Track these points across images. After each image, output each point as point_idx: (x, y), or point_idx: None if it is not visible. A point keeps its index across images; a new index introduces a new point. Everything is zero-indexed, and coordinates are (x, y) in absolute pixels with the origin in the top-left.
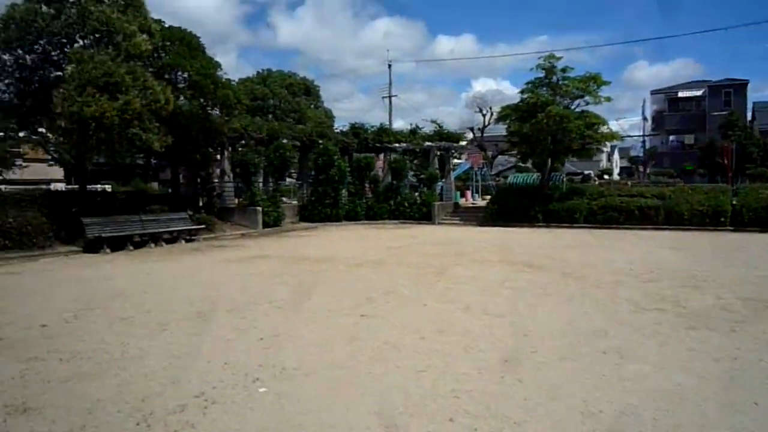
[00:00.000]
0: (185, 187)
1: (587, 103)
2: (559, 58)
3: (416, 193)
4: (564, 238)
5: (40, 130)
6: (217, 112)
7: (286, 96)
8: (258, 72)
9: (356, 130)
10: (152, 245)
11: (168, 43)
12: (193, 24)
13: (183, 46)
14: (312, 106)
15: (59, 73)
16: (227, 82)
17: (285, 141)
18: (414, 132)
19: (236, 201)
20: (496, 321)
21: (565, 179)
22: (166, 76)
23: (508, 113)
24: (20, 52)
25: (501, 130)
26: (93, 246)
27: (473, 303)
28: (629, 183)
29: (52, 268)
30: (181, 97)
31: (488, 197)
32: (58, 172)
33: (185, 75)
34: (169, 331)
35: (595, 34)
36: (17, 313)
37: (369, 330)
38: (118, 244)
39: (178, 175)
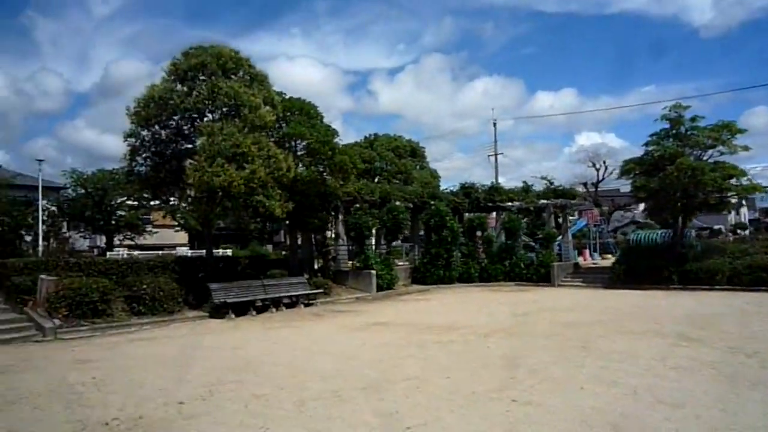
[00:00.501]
0: (301, 251)
1: (721, 153)
2: (686, 107)
3: (531, 253)
4: (709, 303)
5: (171, 199)
6: (332, 177)
7: (393, 158)
8: (365, 137)
9: (467, 189)
10: (273, 310)
11: (288, 113)
12: (301, 95)
13: (303, 116)
14: (418, 167)
15: (189, 146)
16: (344, 148)
17: (398, 203)
18: (526, 190)
19: (349, 264)
20: (677, 413)
21: (694, 235)
22: (287, 145)
23: (631, 167)
24: (157, 128)
25: (616, 184)
26: (218, 311)
27: (639, 387)
28: None
29: (182, 333)
30: (300, 164)
31: (609, 256)
32: (182, 237)
33: (304, 143)
34: (307, 413)
35: (706, 82)
36: (155, 386)
37: (528, 421)
38: (241, 309)
39: (296, 239)
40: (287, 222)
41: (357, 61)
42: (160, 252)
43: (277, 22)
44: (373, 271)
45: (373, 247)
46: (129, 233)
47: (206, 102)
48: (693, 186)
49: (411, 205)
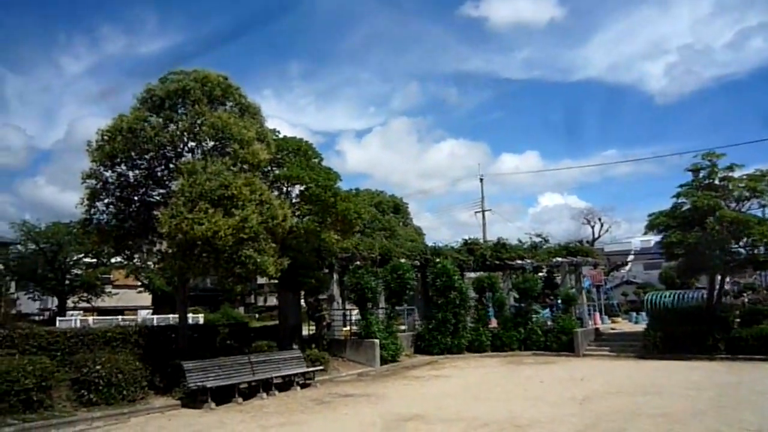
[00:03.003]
0: (289, 316)
1: (762, 206)
2: (720, 156)
3: (546, 318)
4: None
5: (135, 256)
6: (331, 229)
7: (376, 214)
8: (347, 191)
9: (470, 246)
10: (264, 395)
11: (282, 153)
12: None
13: (299, 157)
14: (401, 223)
15: (163, 191)
16: (347, 195)
17: (403, 260)
18: (535, 246)
19: (344, 331)
20: None
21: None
22: (282, 190)
23: (662, 221)
24: (123, 167)
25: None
26: (194, 398)
27: None
28: None
29: None
30: (295, 213)
31: (618, 320)
32: (146, 298)
33: (302, 188)
34: None
35: (661, 146)
36: None
37: None
38: (224, 395)
39: (288, 303)
40: (276, 282)
41: (326, 122)
42: (120, 318)
43: (250, 83)
44: (377, 341)
45: (379, 312)
46: (85, 294)
47: (187, 135)
48: (736, 241)
49: (418, 263)
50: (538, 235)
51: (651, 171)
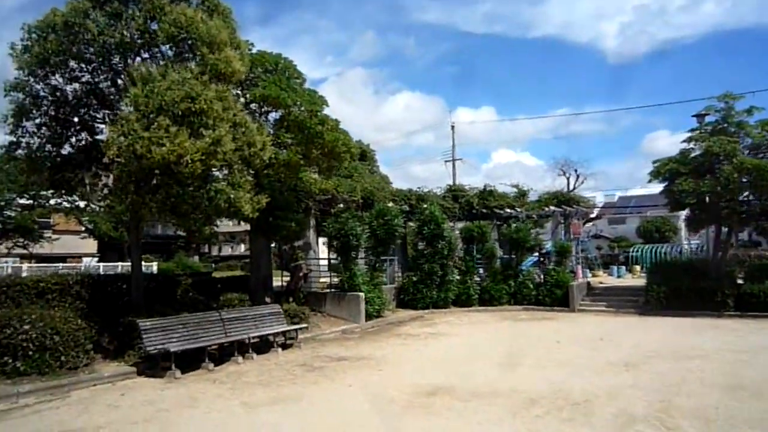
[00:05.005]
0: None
1: None
2: (738, 97)
3: (535, 271)
4: None
5: (76, 191)
6: (313, 165)
7: None
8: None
9: (456, 192)
10: (239, 359)
11: (258, 71)
12: None
13: (279, 75)
14: (368, 171)
15: (109, 111)
16: (336, 123)
17: (390, 204)
18: (522, 194)
19: (322, 282)
20: None
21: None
22: (258, 114)
23: (673, 167)
24: (58, 78)
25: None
26: (154, 364)
27: None
28: None
29: (92, 419)
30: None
31: (599, 273)
32: (91, 245)
33: (281, 113)
34: None
35: (614, 105)
36: None
37: None
38: (190, 360)
39: (261, 251)
40: (239, 227)
41: None
42: (61, 266)
43: None
44: (362, 294)
45: (362, 263)
46: (21, 240)
47: (141, 36)
48: (754, 191)
49: (407, 208)
50: (515, 186)
51: (602, 130)
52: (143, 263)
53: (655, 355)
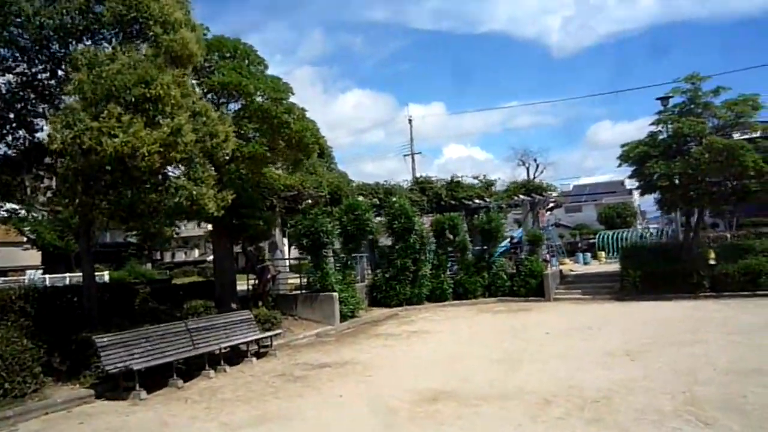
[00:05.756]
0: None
1: (743, 134)
2: (704, 78)
3: (507, 261)
4: None
5: (15, 196)
6: (281, 157)
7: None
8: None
9: (422, 185)
10: (211, 373)
11: (214, 55)
12: None
13: (238, 61)
14: (326, 168)
15: (48, 106)
16: (302, 112)
17: (361, 198)
18: (489, 185)
19: (289, 284)
20: None
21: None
22: (218, 103)
23: (642, 150)
24: None
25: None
26: (114, 384)
27: None
28: None
29: None
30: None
31: (566, 261)
32: (34, 257)
33: (242, 102)
34: None
35: (558, 98)
36: None
37: None
38: (156, 377)
39: (224, 253)
40: (210, 226)
41: None
42: (2, 280)
43: None
44: (335, 294)
45: (330, 261)
46: None
47: (85, 16)
48: (723, 171)
49: (377, 202)
50: (476, 177)
51: (549, 122)
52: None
53: (652, 341)
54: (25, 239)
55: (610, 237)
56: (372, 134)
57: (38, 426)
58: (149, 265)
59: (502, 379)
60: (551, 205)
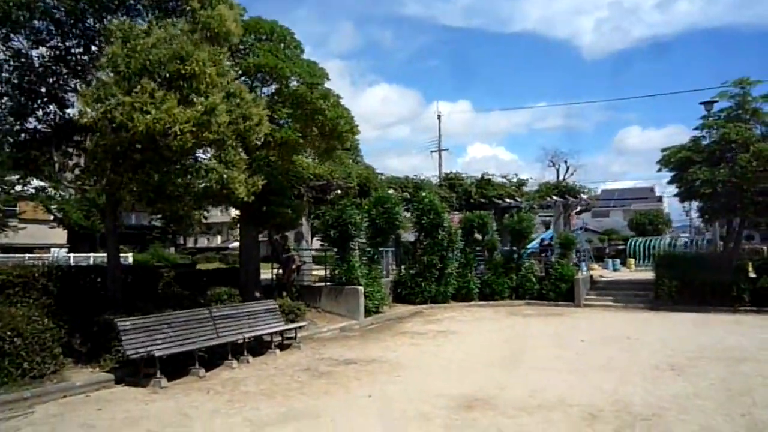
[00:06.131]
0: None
1: None
2: (755, 83)
3: (536, 264)
4: None
5: (43, 171)
6: (314, 144)
7: None
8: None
9: (452, 181)
10: (234, 363)
11: (250, 37)
12: None
13: (275, 44)
14: (352, 160)
15: (80, 82)
16: (337, 99)
17: (391, 191)
18: (521, 184)
19: (314, 276)
20: None
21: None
22: (251, 87)
23: (685, 155)
24: (21, 41)
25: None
26: (135, 370)
27: None
28: None
29: None
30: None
31: (594, 266)
32: (60, 235)
33: (276, 86)
34: None
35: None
36: None
37: None
38: (177, 364)
39: (251, 241)
40: (238, 213)
41: None
42: (27, 256)
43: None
44: (361, 288)
45: (358, 254)
46: None
47: None
48: None
49: (408, 196)
50: (504, 177)
51: (577, 125)
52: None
53: (698, 356)
54: (51, 217)
55: (641, 244)
56: (397, 129)
57: (56, 410)
58: (172, 250)
59: (540, 388)
60: (579, 208)
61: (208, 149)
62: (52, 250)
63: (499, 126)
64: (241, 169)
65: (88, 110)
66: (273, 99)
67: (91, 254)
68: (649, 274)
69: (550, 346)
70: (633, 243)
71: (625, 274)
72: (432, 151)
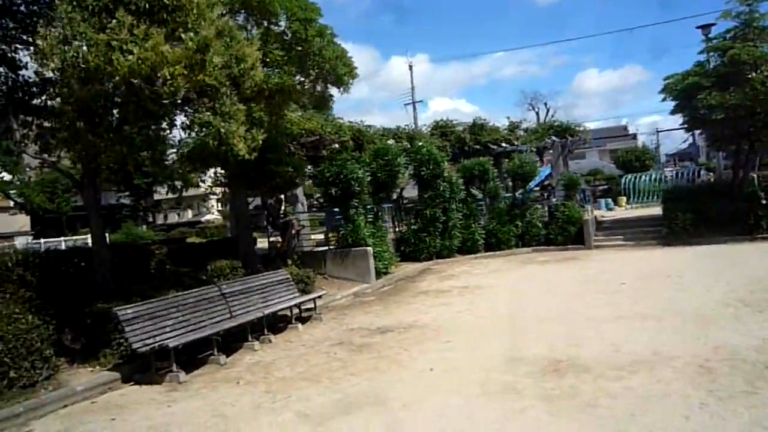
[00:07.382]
0: (235, 225)
1: None
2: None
3: (539, 208)
4: None
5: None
6: (309, 90)
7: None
8: None
9: (443, 128)
10: (255, 344)
11: None
12: None
13: None
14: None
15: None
16: (332, 37)
17: (391, 142)
18: (515, 127)
19: (312, 240)
20: None
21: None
22: (239, 25)
23: (693, 81)
24: None
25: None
26: (144, 365)
27: None
28: None
29: None
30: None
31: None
32: (23, 222)
33: (265, 25)
34: None
35: (545, 48)
36: None
37: None
38: (191, 353)
39: (243, 207)
40: (227, 176)
41: None
42: None
43: None
44: (370, 249)
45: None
46: None
47: None
48: None
49: (408, 145)
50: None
51: (534, 72)
52: (80, 238)
53: (759, 288)
54: (11, 203)
55: (630, 181)
56: (356, 88)
57: (58, 425)
58: (144, 228)
59: (621, 342)
60: (575, 146)
61: (202, 100)
62: (16, 239)
63: (458, 78)
64: (240, 121)
65: (54, 58)
66: (263, 39)
67: (61, 238)
68: (649, 210)
69: (593, 291)
70: (627, 180)
71: (622, 212)
72: (406, 104)
